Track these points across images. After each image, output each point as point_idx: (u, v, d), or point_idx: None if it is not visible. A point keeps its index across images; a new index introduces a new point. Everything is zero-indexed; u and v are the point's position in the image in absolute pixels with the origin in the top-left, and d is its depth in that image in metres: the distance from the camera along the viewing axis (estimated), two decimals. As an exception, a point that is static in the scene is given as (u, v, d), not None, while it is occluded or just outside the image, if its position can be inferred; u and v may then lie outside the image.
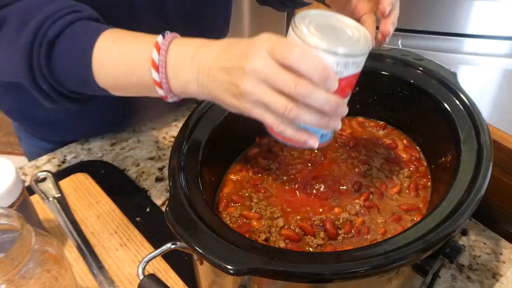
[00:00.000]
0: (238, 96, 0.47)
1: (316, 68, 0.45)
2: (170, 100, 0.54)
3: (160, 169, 0.82)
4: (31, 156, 0.98)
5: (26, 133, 0.95)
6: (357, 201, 0.58)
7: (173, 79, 0.51)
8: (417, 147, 0.66)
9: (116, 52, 0.55)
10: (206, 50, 0.50)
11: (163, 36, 0.52)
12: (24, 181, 0.62)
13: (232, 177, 0.64)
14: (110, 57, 0.55)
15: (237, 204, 0.60)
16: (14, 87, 0.81)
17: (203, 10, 0.82)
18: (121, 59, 0.54)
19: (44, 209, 0.73)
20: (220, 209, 0.59)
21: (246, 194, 0.61)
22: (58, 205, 0.73)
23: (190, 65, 0.50)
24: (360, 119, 0.71)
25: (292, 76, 0.45)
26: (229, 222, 0.57)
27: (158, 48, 0.51)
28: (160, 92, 0.53)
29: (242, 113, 0.49)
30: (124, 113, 0.89)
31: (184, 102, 0.97)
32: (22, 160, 1.00)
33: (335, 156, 0.64)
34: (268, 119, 0.48)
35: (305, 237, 0.55)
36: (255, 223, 0.56)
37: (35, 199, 0.74)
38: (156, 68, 0.51)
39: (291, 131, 0.48)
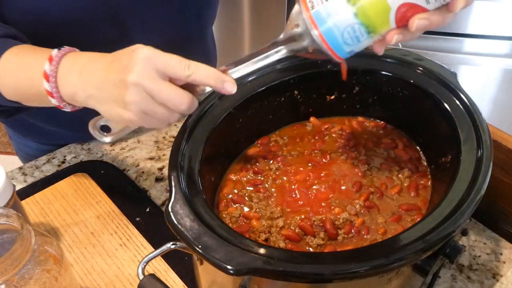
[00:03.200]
0: (123, 107, 0.50)
1: (210, 76, 0.50)
2: (66, 109, 0.57)
3: (160, 169, 0.82)
4: (22, 156, 0.98)
5: (15, 133, 0.94)
6: (357, 201, 0.58)
7: (63, 89, 0.55)
8: (417, 147, 0.66)
9: (16, 65, 0.58)
10: (96, 61, 0.54)
11: (59, 49, 0.56)
12: (14, 185, 0.62)
13: (232, 177, 0.64)
14: (11, 69, 0.59)
15: (237, 204, 0.60)
16: None
17: (169, 18, 0.79)
18: (21, 71, 0.58)
19: (36, 213, 0.73)
20: (220, 209, 0.59)
21: (246, 194, 0.61)
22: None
23: (78, 75, 0.54)
24: (360, 119, 0.71)
25: (173, 93, 0.49)
26: (229, 222, 0.57)
27: (50, 60, 0.55)
28: (53, 102, 0.56)
29: (133, 125, 0.54)
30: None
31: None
32: (22, 160, 1.00)
33: (335, 156, 0.64)
34: (155, 125, 0.53)
35: (305, 237, 0.55)
36: (255, 223, 0.56)
37: (26, 202, 0.74)
38: (47, 78, 0.55)
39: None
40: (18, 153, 0.98)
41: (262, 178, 0.63)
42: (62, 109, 0.58)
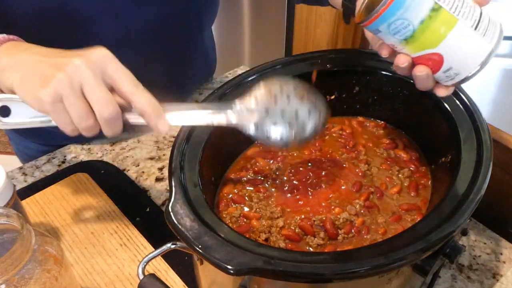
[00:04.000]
0: (45, 82, 0.45)
1: (152, 104, 0.48)
2: None
3: (160, 169, 0.82)
4: (22, 156, 0.98)
5: (15, 134, 0.94)
6: (357, 201, 0.58)
7: None
8: (417, 147, 0.66)
9: None
10: (41, 47, 0.50)
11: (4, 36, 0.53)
12: (14, 185, 0.62)
13: (232, 177, 0.64)
14: None
15: (237, 204, 0.60)
16: None
17: (169, 18, 0.79)
18: None
19: (36, 213, 0.73)
20: (220, 209, 0.59)
21: (246, 194, 0.61)
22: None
23: (10, 56, 0.50)
24: (360, 119, 0.71)
25: (105, 96, 0.46)
26: (229, 222, 0.57)
27: None
28: None
29: (39, 109, 0.47)
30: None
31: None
32: (22, 160, 1.00)
33: (335, 156, 0.64)
34: (60, 122, 0.48)
35: (305, 237, 0.55)
36: (255, 223, 0.56)
37: (26, 202, 0.74)
38: None
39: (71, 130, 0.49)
40: (18, 154, 0.98)
41: (262, 178, 0.63)
42: None
